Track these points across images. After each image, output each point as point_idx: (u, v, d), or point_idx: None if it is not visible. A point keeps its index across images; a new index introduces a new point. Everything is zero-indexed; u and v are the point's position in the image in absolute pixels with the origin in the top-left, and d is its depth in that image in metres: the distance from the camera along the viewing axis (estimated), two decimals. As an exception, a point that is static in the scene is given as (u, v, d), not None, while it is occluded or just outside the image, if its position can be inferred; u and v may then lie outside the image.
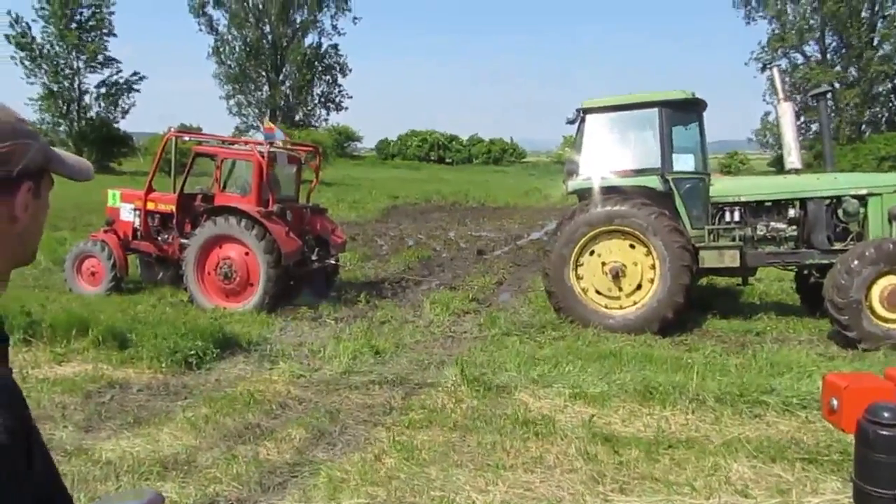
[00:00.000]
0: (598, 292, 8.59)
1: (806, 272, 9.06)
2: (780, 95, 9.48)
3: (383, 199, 29.05)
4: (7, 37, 43.61)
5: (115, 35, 46.90)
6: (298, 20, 64.36)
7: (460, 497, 4.12)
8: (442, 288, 11.37)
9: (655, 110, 8.70)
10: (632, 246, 8.45)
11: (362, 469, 4.45)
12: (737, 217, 8.73)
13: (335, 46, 65.91)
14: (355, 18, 68.30)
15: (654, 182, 8.60)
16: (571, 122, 9.23)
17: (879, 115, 45.04)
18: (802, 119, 39.98)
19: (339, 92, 66.82)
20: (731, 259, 8.42)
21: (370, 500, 4.10)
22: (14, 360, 6.47)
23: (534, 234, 19.79)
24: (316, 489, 4.23)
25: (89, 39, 45.38)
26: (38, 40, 44.10)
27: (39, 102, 44.95)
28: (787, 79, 42.86)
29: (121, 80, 47.38)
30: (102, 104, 47.46)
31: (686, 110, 9.04)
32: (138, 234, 10.51)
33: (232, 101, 64.46)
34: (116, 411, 5.51)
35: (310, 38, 65.25)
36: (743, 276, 9.23)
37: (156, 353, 6.65)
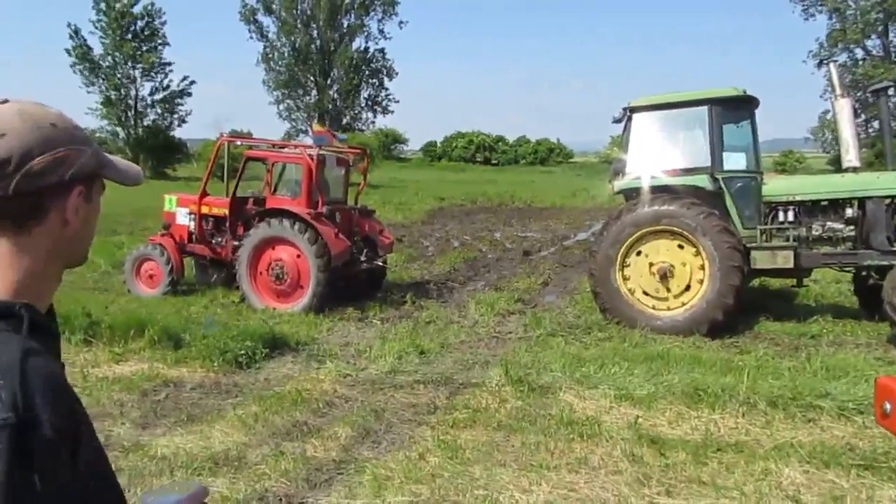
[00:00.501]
0: (645, 293, 8.48)
1: (864, 274, 8.74)
2: (838, 91, 9.13)
3: (429, 200, 29.21)
4: (67, 50, 45.63)
5: (168, 44, 48.56)
6: (346, 25, 65.28)
7: (504, 496, 4.13)
8: (487, 289, 11.38)
9: (705, 108, 8.54)
10: (680, 246, 8.30)
11: (406, 467, 4.50)
12: (791, 217, 8.48)
13: (382, 50, 66.61)
14: (401, 22, 68.86)
15: (703, 181, 8.43)
16: (618, 120, 9.13)
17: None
18: (863, 116, 38.44)
19: (386, 95, 67.48)
20: (785, 260, 8.19)
21: (414, 497, 4.15)
22: (75, 359, 6.81)
23: (580, 234, 19.60)
24: (361, 486, 4.30)
25: (144, 49, 47.07)
26: (96, 51, 46.01)
27: (98, 111, 46.84)
28: (846, 75, 41.34)
29: (175, 87, 48.97)
30: (159, 111, 49.13)
31: (737, 108, 8.83)
32: (193, 237, 10.81)
33: (281, 106, 65.82)
34: (171, 409, 5.70)
35: (357, 43, 66.09)
36: (797, 277, 8.96)
37: (208, 352, 6.85)
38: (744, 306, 9.75)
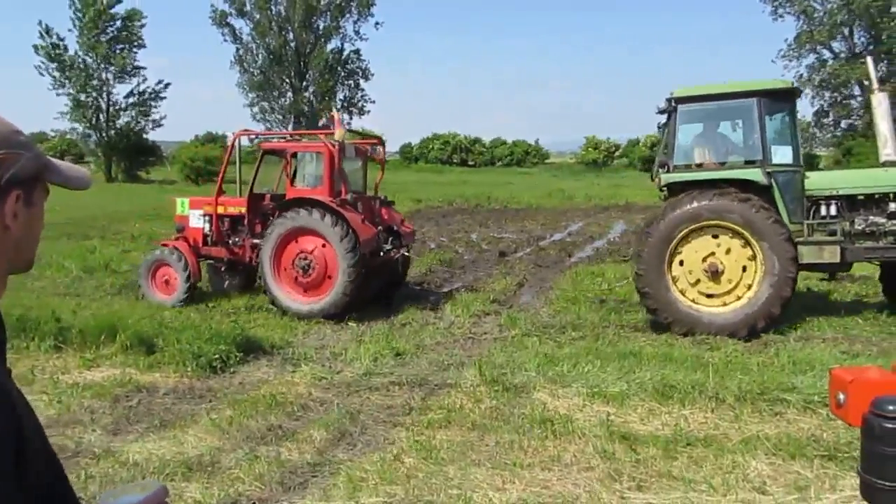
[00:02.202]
0: (697, 291, 8.22)
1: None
2: (875, 85, 8.97)
3: (406, 202, 29.15)
4: (35, 47, 44.70)
5: (144, 46, 47.95)
6: (321, 26, 65.02)
7: (477, 495, 4.17)
8: (463, 290, 11.42)
9: (753, 100, 8.27)
10: (717, 237, 8.11)
11: (381, 468, 4.53)
12: (833, 211, 8.31)
13: (357, 52, 66.47)
14: (377, 23, 68.65)
15: (757, 175, 8.14)
16: (663, 111, 8.72)
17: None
18: (832, 115, 39.18)
19: (362, 97, 67.33)
20: (831, 255, 8.09)
21: (389, 498, 4.17)
22: (45, 366, 6.72)
23: (556, 235, 19.74)
24: (336, 488, 4.31)
25: (118, 51, 46.41)
26: (70, 52, 45.16)
27: (68, 113, 46.06)
28: (815, 76, 42.10)
29: (147, 90, 48.36)
30: (132, 115, 48.47)
31: (782, 100, 8.58)
32: (209, 239, 10.50)
33: (256, 109, 65.34)
34: (143, 414, 5.66)
35: (332, 44, 65.85)
36: (835, 271, 8.87)
37: (181, 357, 6.81)
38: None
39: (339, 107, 66.74)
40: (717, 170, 8.46)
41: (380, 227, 10.06)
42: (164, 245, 10.60)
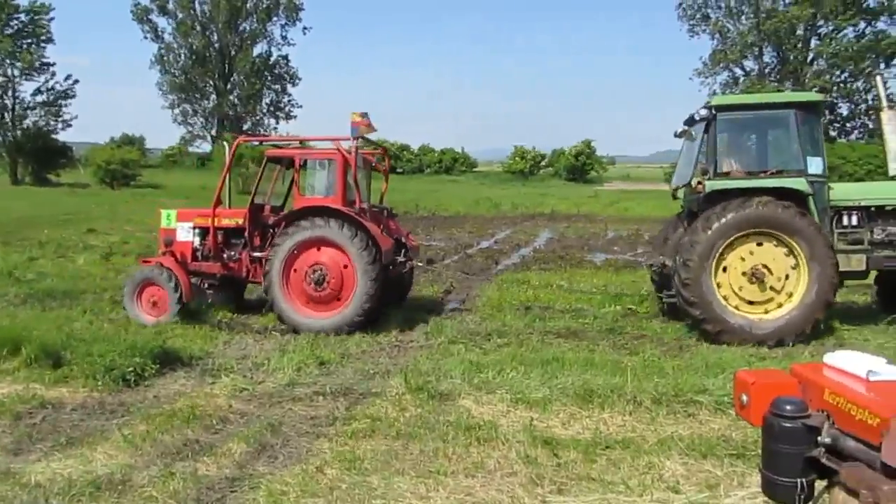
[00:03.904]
0: (740, 299, 8.26)
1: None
2: (884, 103, 9.40)
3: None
4: None
5: (52, 42, 45.54)
6: (247, 29, 63.67)
7: (401, 505, 4.15)
8: (390, 297, 11.35)
9: (791, 112, 8.47)
10: (761, 245, 8.22)
11: (303, 481, 4.43)
12: (854, 221, 8.62)
13: (286, 57, 65.44)
14: (305, 28, 68.01)
15: (801, 184, 8.29)
16: (702, 119, 8.67)
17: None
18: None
19: (289, 101, 66.29)
20: (858, 263, 8.45)
21: (310, 511, 4.09)
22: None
23: (483, 242, 19.96)
24: (255, 503, 4.19)
25: (24, 46, 43.88)
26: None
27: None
28: (728, 92, 44.35)
29: (57, 87, 45.93)
30: (41, 114, 45.93)
31: (813, 112, 8.78)
32: (199, 254, 9.80)
33: (177, 111, 63.27)
34: (48, 432, 5.34)
35: (259, 48, 64.58)
36: (858, 279, 9.16)
37: (91, 371, 6.47)
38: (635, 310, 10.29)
39: (264, 110, 65.46)
40: (759, 178, 8.56)
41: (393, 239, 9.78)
42: (147, 262, 9.75)
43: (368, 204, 9.68)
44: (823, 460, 2.19)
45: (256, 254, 9.49)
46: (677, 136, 9.34)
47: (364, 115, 9.25)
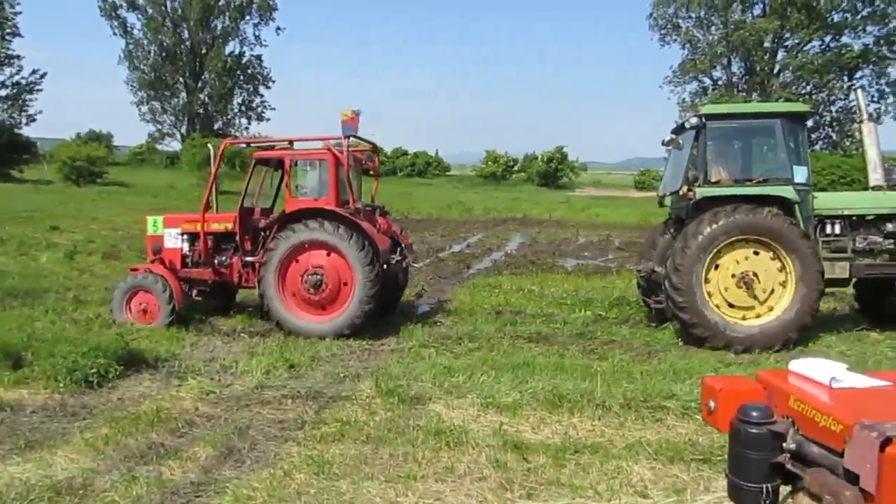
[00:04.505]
0: (729, 304, 8.35)
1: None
2: (864, 116, 9.61)
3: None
4: None
5: (19, 35, 44.50)
6: (219, 27, 62.88)
7: (370, 510, 4.11)
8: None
9: (777, 121, 8.62)
10: (756, 253, 8.32)
11: (271, 485, 4.37)
12: (837, 229, 8.78)
13: (259, 57, 64.74)
14: (279, 28, 67.35)
15: (790, 192, 8.39)
16: (692, 127, 8.75)
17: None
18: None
19: (262, 102, 65.58)
20: (842, 271, 8.60)
21: (277, 517, 4.04)
22: None
23: (455, 246, 19.99)
24: (221, 508, 4.12)
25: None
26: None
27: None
28: (698, 101, 45.10)
29: (22, 80, 44.89)
30: (3, 107, 44.83)
31: (798, 122, 8.94)
32: (189, 260, 9.63)
33: (145, 108, 62.21)
34: (5, 435, 5.19)
35: (231, 47, 63.82)
36: (840, 286, 9.29)
37: (53, 372, 6.32)
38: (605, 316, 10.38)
39: (236, 110, 64.69)
40: (748, 186, 8.62)
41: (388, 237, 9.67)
42: (135, 270, 9.49)
43: (362, 203, 9.60)
44: (788, 466, 2.23)
45: (248, 258, 9.35)
46: (664, 144, 9.44)
47: (356, 112, 9.18)
